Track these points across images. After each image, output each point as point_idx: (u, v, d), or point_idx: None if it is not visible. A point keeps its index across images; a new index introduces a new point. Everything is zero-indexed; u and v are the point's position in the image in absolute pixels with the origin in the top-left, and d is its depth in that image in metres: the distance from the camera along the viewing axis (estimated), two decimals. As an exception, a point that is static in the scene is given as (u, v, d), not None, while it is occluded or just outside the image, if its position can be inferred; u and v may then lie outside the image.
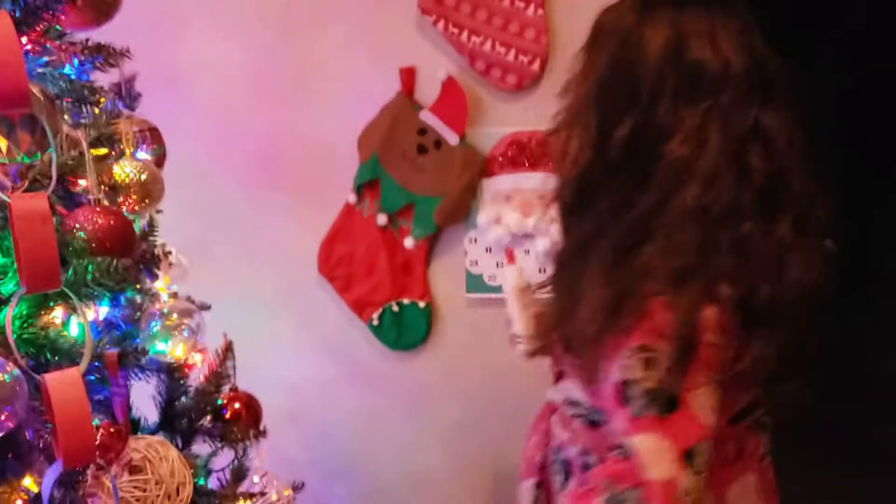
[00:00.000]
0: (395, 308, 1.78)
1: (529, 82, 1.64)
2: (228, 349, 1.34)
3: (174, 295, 1.16)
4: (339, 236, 1.79)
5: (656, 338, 0.81)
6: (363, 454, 1.89)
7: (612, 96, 0.89)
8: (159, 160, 1.36)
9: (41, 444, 0.84)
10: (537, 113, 1.66)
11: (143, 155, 1.28)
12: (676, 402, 0.80)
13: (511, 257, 1.28)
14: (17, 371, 0.81)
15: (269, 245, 1.84)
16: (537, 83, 1.65)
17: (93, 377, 0.90)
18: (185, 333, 1.12)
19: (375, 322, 1.79)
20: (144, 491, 0.86)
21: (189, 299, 1.24)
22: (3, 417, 0.79)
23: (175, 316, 1.12)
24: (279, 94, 1.77)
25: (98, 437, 0.86)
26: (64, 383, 0.80)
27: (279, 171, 1.81)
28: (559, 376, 1.05)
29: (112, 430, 0.87)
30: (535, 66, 1.63)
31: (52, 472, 0.79)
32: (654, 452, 0.80)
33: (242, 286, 1.84)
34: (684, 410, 0.80)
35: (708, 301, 0.82)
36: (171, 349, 1.15)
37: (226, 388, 1.33)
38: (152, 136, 1.35)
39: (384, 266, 1.76)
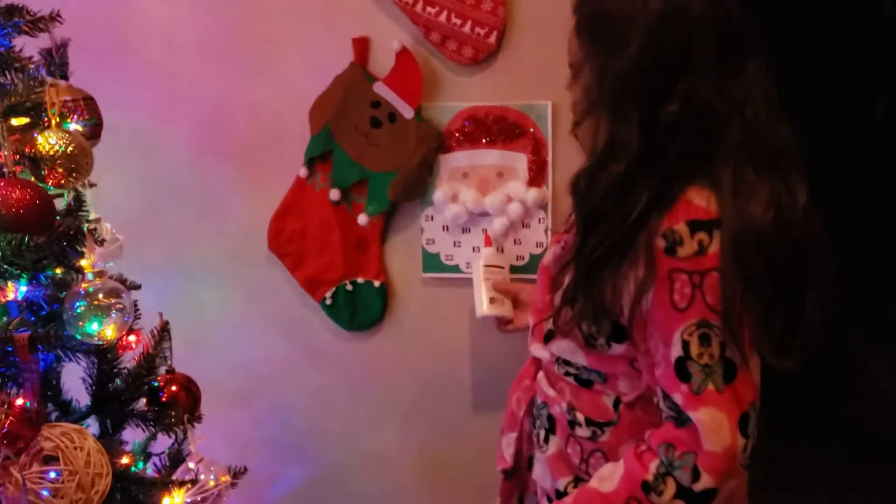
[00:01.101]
0: (349, 287, 1.74)
1: (486, 55, 1.59)
2: (164, 329, 1.29)
3: (100, 274, 1.09)
4: (289, 211, 1.74)
5: (711, 313, 0.88)
6: (316, 434, 1.86)
7: (655, 74, 0.91)
8: (94, 131, 1.30)
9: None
10: (494, 87, 1.61)
11: (74, 126, 1.21)
12: (735, 371, 0.89)
13: (489, 241, 1.26)
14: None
15: (219, 218, 1.79)
16: (494, 56, 1.60)
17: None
18: (114, 314, 1.06)
19: (329, 301, 1.75)
20: (57, 482, 0.81)
21: (119, 278, 1.18)
22: None
23: (101, 296, 1.05)
24: (228, 60, 1.71)
25: (6, 425, 0.81)
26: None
27: (228, 142, 1.75)
28: (548, 336, 1.08)
29: (22, 416, 0.81)
30: (492, 38, 1.57)
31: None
32: (713, 425, 0.88)
33: (191, 260, 1.81)
34: (742, 376, 0.90)
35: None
36: (101, 330, 1.09)
37: (162, 370, 1.27)
38: (86, 105, 1.28)
39: (337, 243, 1.72)
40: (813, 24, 2.99)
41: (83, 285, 1.05)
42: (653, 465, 0.92)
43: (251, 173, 1.75)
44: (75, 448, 0.85)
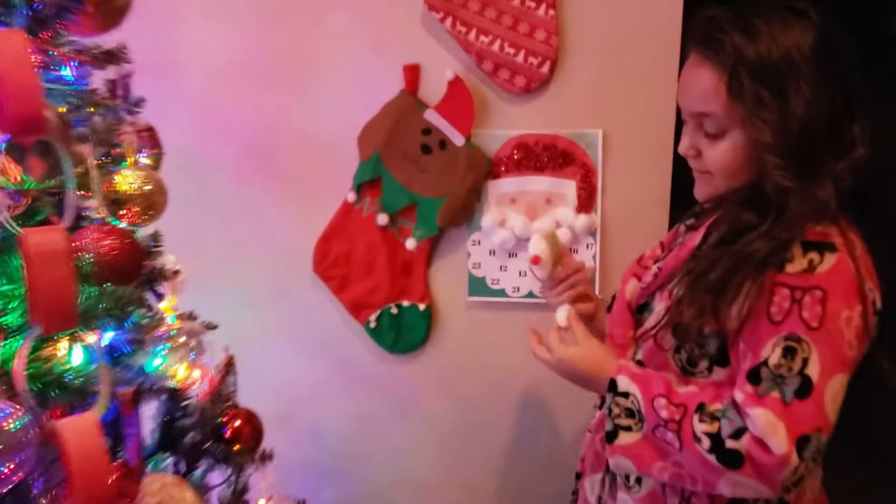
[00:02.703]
0: (394, 310, 1.74)
1: (538, 85, 1.59)
2: (230, 364, 1.27)
3: (182, 316, 1.09)
4: (336, 235, 1.73)
5: (806, 329, 0.87)
6: (356, 458, 1.85)
7: (838, 111, 0.92)
8: (157, 162, 1.27)
9: (50, 497, 0.78)
10: (544, 115, 1.61)
11: (144, 160, 1.19)
12: (810, 390, 0.87)
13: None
14: (27, 416, 0.75)
15: (263, 242, 1.77)
16: (546, 85, 1.60)
17: (107, 417, 0.84)
18: (192, 356, 1.06)
19: (373, 324, 1.74)
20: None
21: (192, 316, 1.18)
22: (8, 469, 0.73)
23: (182, 339, 1.05)
24: (274, 84, 1.69)
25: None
26: (81, 432, 0.74)
27: (274, 166, 1.73)
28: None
29: (126, 473, 0.81)
30: (545, 68, 1.57)
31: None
32: (768, 425, 0.86)
33: (235, 284, 1.79)
34: (816, 398, 0.87)
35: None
36: (175, 371, 1.09)
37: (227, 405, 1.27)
38: (149, 137, 1.26)
39: (383, 266, 1.71)
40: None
41: (165, 329, 1.05)
42: (716, 403, 0.93)
43: (297, 197, 1.74)
44: (175, 501, 0.85)
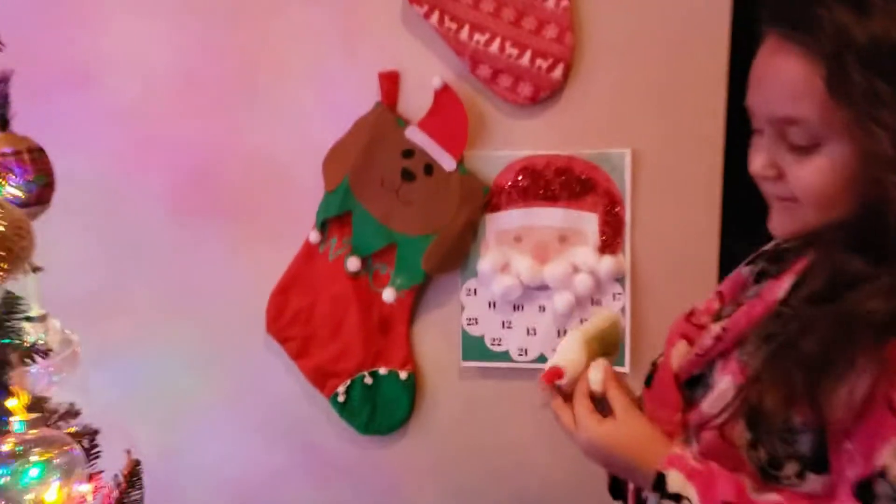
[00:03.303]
0: (369, 380, 1.44)
1: (548, 93, 1.31)
2: (134, 474, 0.92)
3: (35, 422, 0.73)
4: (295, 285, 1.44)
5: None
6: (322, 568, 1.53)
7: None
8: (42, 193, 1.01)
9: None
10: (557, 132, 1.33)
11: (12, 189, 0.90)
12: None
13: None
14: None
15: (204, 294, 1.48)
16: (559, 94, 1.32)
17: None
18: (56, 477, 0.70)
19: (342, 398, 1.44)
20: None
21: (70, 412, 0.83)
22: None
23: (38, 451, 0.69)
24: (221, 97, 1.41)
25: None
26: None
27: (219, 198, 1.45)
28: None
29: None
30: (557, 72, 1.29)
31: None
32: None
33: (167, 345, 1.50)
34: None
35: None
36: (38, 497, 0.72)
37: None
38: (32, 160, 1.01)
39: (354, 324, 1.43)
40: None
41: (7, 445, 0.69)
42: None
43: (247, 237, 1.45)
44: None
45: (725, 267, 1.25)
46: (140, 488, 0.93)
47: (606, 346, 0.89)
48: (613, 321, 0.91)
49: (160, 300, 1.48)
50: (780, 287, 0.78)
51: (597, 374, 0.83)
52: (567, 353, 0.85)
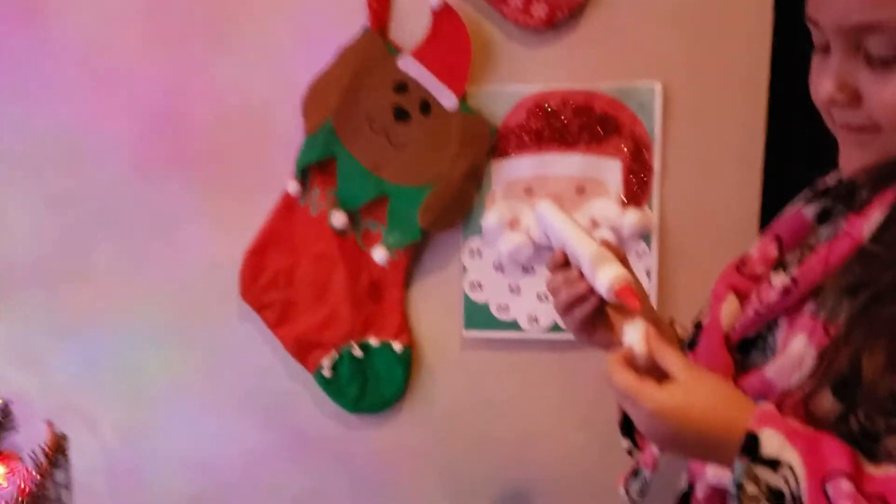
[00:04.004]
0: (358, 352, 1.30)
1: (566, 15, 1.14)
2: (59, 450, 0.77)
3: None
4: (273, 243, 1.29)
5: None
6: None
7: None
8: None
9: None
10: (576, 62, 1.16)
11: None
12: None
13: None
14: None
15: (170, 253, 1.34)
16: (578, 16, 1.15)
17: None
18: None
19: (327, 372, 1.30)
20: None
21: None
22: None
23: None
24: (185, 30, 1.25)
25: None
26: None
27: (185, 145, 1.30)
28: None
29: None
30: None
31: None
32: None
33: (129, 315, 1.37)
34: None
35: None
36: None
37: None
38: None
39: (341, 289, 1.28)
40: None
41: None
42: None
43: (218, 190, 1.30)
44: None
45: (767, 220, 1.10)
46: (66, 468, 0.78)
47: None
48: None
49: (120, 264, 1.34)
50: (864, 222, 0.65)
51: (636, 334, 0.67)
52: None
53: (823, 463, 0.61)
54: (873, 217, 0.64)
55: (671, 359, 0.66)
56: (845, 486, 0.59)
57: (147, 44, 1.26)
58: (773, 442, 0.62)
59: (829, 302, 0.64)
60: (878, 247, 0.62)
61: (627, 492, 0.83)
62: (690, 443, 0.67)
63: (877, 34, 0.60)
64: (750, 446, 0.62)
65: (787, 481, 0.62)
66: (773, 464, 0.62)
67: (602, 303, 0.79)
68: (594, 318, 0.81)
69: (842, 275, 0.64)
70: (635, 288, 0.78)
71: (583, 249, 0.78)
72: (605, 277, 0.73)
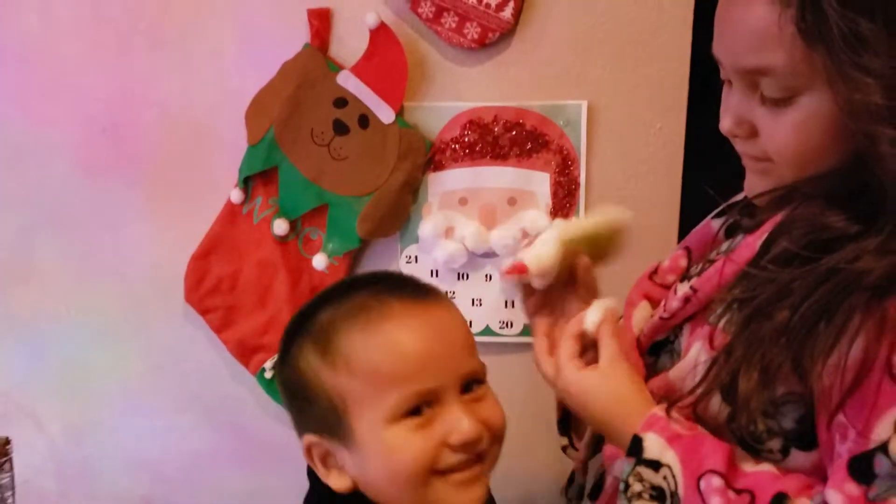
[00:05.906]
0: None
1: (498, 36, 1.18)
2: (2, 453, 0.79)
3: None
4: (216, 249, 1.30)
5: None
6: (249, 559, 1.42)
7: None
8: None
9: None
10: (508, 81, 1.21)
11: None
12: None
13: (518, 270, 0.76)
14: None
15: (115, 255, 1.34)
16: (509, 37, 1.19)
17: None
18: None
19: (269, 374, 1.32)
20: None
21: None
22: None
23: None
24: (129, 38, 1.26)
25: None
26: None
27: (130, 151, 1.30)
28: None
29: None
30: (507, 12, 1.16)
31: None
32: None
33: (76, 315, 1.37)
34: None
35: None
36: None
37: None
38: None
39: (283, 294, 1.30)
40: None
41: None
42: (803, 499, 0.65)
43: (163, 193, 1.31)
44: None
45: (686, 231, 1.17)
46: (10, 470, 0.80)
47: (598, 248, 0.80)
48: (613, 221, 0.82)
49: (67, 266, 1.34)
50: (755, 242, 0.70)
51: (595, 315, 0.74)
52: (537, 247, 0.76)
53: (700, 463, 0.67)
54: (759, 239, 0.69)
55: (605, 348, 0.73)
56: (716, 481, 0.65)
57: (93, 49, 1.26)
58: (655, 445, 0.68)
59: (720, 312, 0.69)
60: (757, 269, 0.67)
61: (568, 498, 0.91)
62: (596, 424, 0.75)
63: (769, 77, 0.65)
64: (635, 448, 0.69)
65: (666, 480, 0.68)
66: (655, 465, 0.68)
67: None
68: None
69: (728, 290, 0.69)
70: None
71: None
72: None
